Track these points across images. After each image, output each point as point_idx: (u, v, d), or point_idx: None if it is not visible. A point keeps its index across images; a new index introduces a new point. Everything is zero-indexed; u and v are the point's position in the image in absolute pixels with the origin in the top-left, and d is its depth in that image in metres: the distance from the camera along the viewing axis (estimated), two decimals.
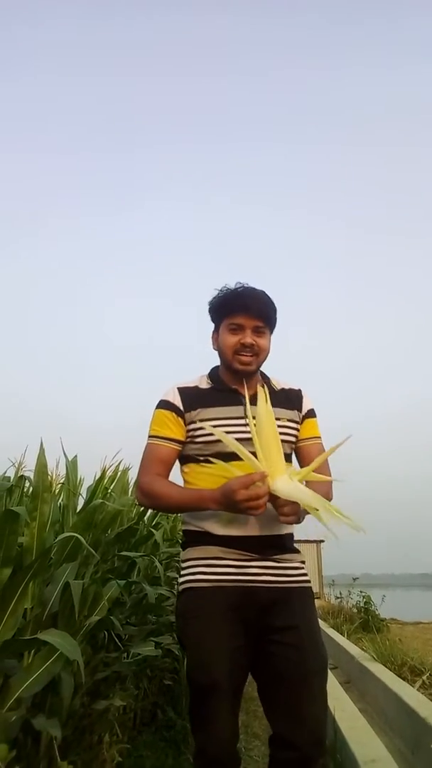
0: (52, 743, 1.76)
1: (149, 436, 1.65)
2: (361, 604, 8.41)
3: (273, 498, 1.41)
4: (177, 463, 1.68)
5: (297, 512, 1.44)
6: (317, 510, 1.36)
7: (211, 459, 1.54)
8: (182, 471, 1.67)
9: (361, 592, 8.67)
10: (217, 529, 1.54)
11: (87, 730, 2.15)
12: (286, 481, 1.40)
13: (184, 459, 1.66)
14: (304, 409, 1.72)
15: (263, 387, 1.54)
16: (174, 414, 1.63)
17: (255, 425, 1.45)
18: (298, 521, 1.53)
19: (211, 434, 1.54)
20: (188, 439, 1.63)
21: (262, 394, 1.47)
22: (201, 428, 1.58)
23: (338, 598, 9.87)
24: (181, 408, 1.62)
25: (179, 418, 1.62)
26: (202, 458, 1.59)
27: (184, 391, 1.65)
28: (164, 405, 1.65)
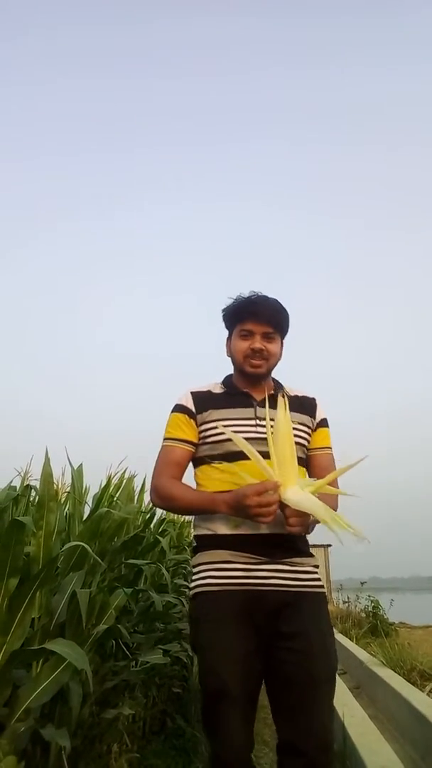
0: (61, 754, 1.75)
1: (164, 439, 1.70)
2: (370, 609, 8.37)
3: (282, 506, 1.42)
4: (191, 466, 1.71)
5: (304, 523, 1.45)
6: (327, 522, 1.37)
7: (220, 460, 1.58)
8: (195, 474, 1.69)
9: (369, 596, 8.62)
10: (227, 529, 1.55)
11: (96, 740, 2.14)
12: (298, 492, 1.41)
13: (197, 462, 1.69)
14: (318, 417, 1.74)
15: (283, 397, 1.53)
16: (186, 416, 1.67)
17: (272, 430, 1.47)
18: (306, 532, 1.54)
19: (220, 434, 1.59)
20: (200, 441, 1.67)
21: (282, 402, 1.48)
22: (212, 428, 1.63)
23: (346, 602, 9.82)
24: (193, 410, 1.68)
25: (191, 420, 1.67)
26: (212, 459, 1.62)
27: (196, 395, 1.71)
28: (178, 408, 1.70)
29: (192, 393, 1.71)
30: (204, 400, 1.69)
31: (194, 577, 1.60)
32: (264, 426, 1.57)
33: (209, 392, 1.72)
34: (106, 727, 2.18)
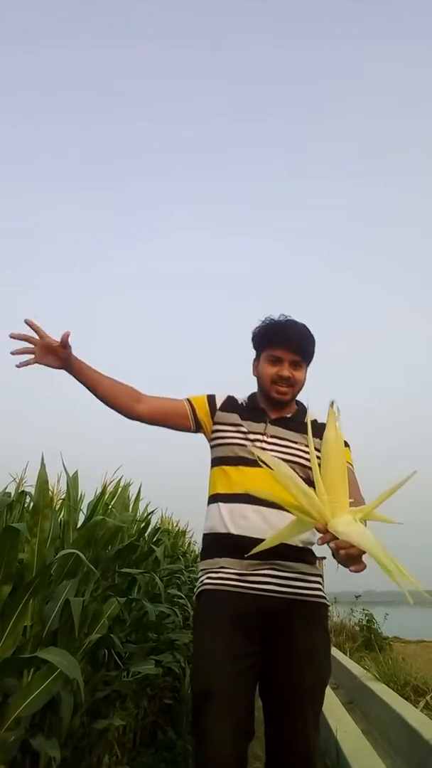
0: (50, 764, 1.73)
1: None
2: (364, 622, 8.32)
3: (331, 537, 1.16)
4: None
5: (355, 558, 1.16)
6: (385, 565, 1.09)
7: (232, 464, 1.63)
8: (209, 476, 1.72)
9: (363, 609, 8.57)
10: (230, 528, 1.56)
11: (86, 751, 2.12)
12: (350, 523, 1.15)
13: (212, 463, 1.73)
14: None
15: (335, 412, 1.30)
16: (207, 405, 1.74)
17: (320, 455, 1.24)
18: (357, 566, 1.21)
19: (230, 437, 1.66)
20: (213, 439, 1.72)
21: (332, 417, 1.24)
22: (223, 429, 1.69)
23: (339, 617, 9.75)
24: (217, 406, 1.75)
25: (209, 409, 1.74)
26: (222, 462, 1.66)
27: (231, 399, 1.78)
28: (207, 395, 1.78)
29: (228, 396, 1.79)
30: (233, 406, 1.76)
31: (196, 583, 1.65)
32: (270, 443, 1.64)
33: (239, 401, 1.79)
34: (97, 738, 2.16)
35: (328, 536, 1.14)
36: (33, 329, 1.58)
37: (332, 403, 1.37)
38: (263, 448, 1.62)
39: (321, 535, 1.16)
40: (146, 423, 1.71)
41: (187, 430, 1.74)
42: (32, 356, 1.57)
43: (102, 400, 1.66)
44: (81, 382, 1.64)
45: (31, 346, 1.57)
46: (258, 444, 1.64)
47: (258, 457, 1.29)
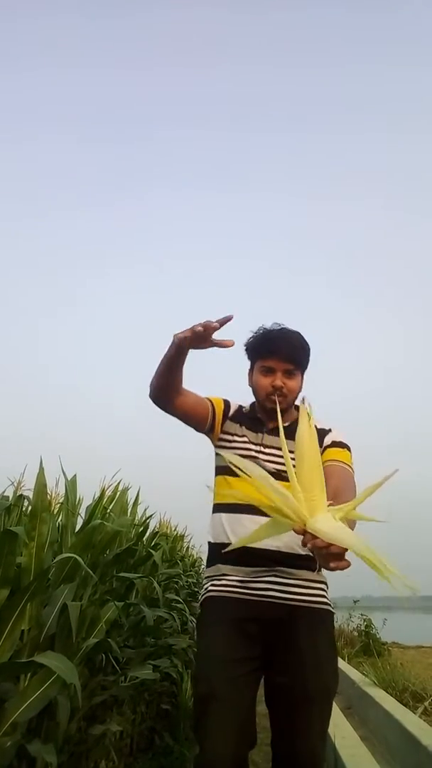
0: None
1: None
2: (362, 628, 8.29)
3: (310, 537, 1.11)
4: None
5: (340, 558, 1.13)
6: (369, 560, 1.04)
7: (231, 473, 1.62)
8: (214, 484, 1.73)
9: (362, 614, 8.54)
10: (230, 538, 1.57)
11: (83, 757, 2.11)
12: (329, 521, 1.10)
13: (216, 471, 1.74)
14: (326, 443, 1.67)
15: (306, 413, 1.29)
16: (223, 410, 1.75)
17: (294, 455, 1.21)
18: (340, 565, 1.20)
19: (231, 447, 1.68)
20: (218, 444, 1.73)
21: (305, 415, 1.21)
22: (227, 439, 1.71)
23: (337, 622, 9.69)
24: (229, 413, 1.76)
25: (222, 416, 1.75)
26: (222, 470, 1.67)
27: (239, 408, 1.80)
28: (225, 400, 1.79)
29: (239, 405, 1.81)
30: (240, 416, 1.77)
31: (202, 589, 1.66)
32: (267, 453, 1.65)
33: (243, 410, 1.80)
34: (94, 743, 2.15)
35: (308, 537, 1.09)
36: (222, 324, 1.49)
37: (303, 400, 1.36)
38: (260, 459, 1.63)
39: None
40: (168, 412, 1.68)
41: (201, 429, 1.74)
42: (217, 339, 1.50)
43: (165, 380, 1.60)
44: (176, 362, 1.56)
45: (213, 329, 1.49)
46: (254, 454, 1.65)
47: (229, 461, 1.24)
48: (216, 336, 1.47)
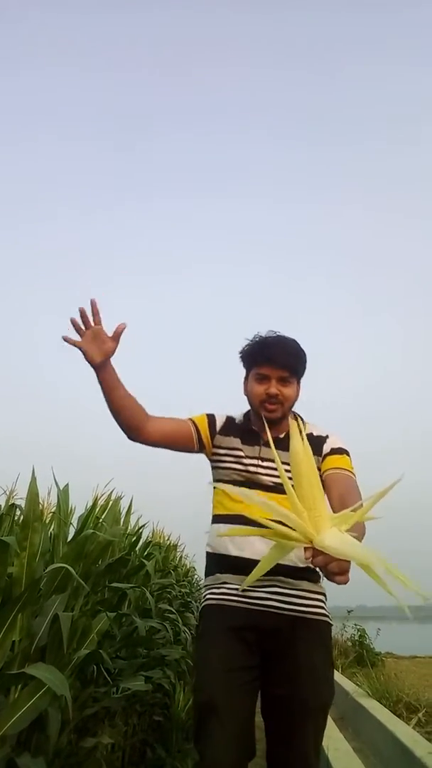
0: None
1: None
2: (356, 638, 8.26)
3: (316, 553, 1.08)
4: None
5: (346, 570, 1.15)
6: (373, 571, 1.03)
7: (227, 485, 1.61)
8: (213, 497, 1.72)
9: (355, 624, 8.52)
10: (231, 550, 1.57)
11: None
12: (336, 535, 1.07)
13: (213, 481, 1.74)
14: (325, 451, 1.67)
15: (298, 423, 1.27)
16: (208, 426, 1.73)
17: (290, 468, 1.17)
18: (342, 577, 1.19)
19: (229, 461, 1.67)
20: (213, 461, 1.72)
21: (296, 429, 1.15)
22: (221, 454, 1.70)
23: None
24: (218, 429, 1.74)
25: (209, 431, 1.73)
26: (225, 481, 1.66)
27: (229, 420, 1.77)
28: (208, 415, 1.76)
29: (228, 417, 1.78)
30: (232, 428, 1.74)
31: (201, 598, 1.67)
32: (265, 467, 1.64)
33: (236, 421, 1.78)
34: (84, 756, 2.12)
35: (319, 556, 1.06)
36: (93, 311, 1.52)
37: (295, 416, 1.37)
38: (258, 473, 1.63)
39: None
40: (150, 445, 1.67)
41: (191, 451, 1.73)
42: (80, 338, 1.52)
43: (115, 412, 1.59)
44: (103, 387, 1.57)
45: (83, 328, 1.52)
46: (252, 468, 1.64)
47: (224, 489, 1.28)
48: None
